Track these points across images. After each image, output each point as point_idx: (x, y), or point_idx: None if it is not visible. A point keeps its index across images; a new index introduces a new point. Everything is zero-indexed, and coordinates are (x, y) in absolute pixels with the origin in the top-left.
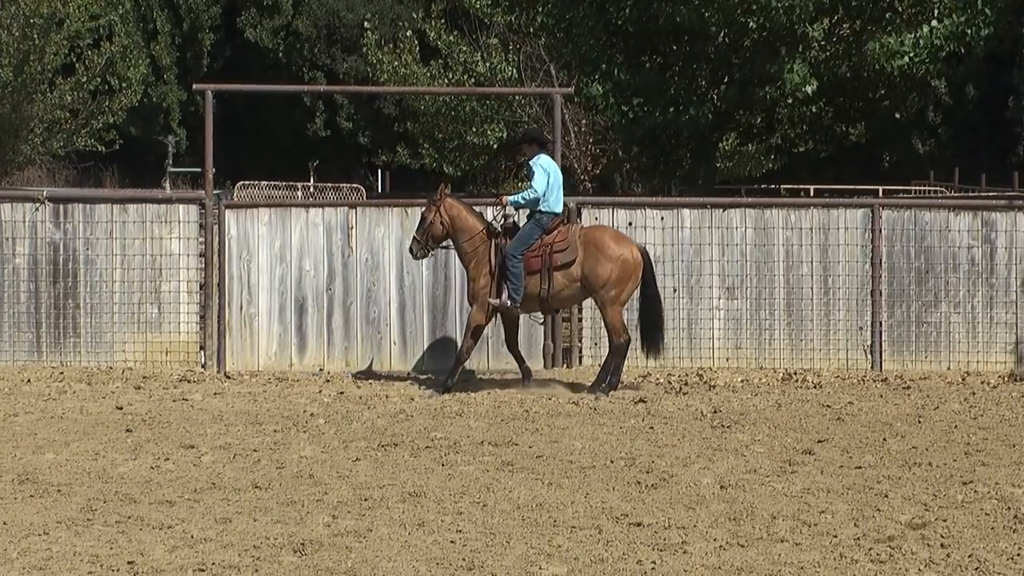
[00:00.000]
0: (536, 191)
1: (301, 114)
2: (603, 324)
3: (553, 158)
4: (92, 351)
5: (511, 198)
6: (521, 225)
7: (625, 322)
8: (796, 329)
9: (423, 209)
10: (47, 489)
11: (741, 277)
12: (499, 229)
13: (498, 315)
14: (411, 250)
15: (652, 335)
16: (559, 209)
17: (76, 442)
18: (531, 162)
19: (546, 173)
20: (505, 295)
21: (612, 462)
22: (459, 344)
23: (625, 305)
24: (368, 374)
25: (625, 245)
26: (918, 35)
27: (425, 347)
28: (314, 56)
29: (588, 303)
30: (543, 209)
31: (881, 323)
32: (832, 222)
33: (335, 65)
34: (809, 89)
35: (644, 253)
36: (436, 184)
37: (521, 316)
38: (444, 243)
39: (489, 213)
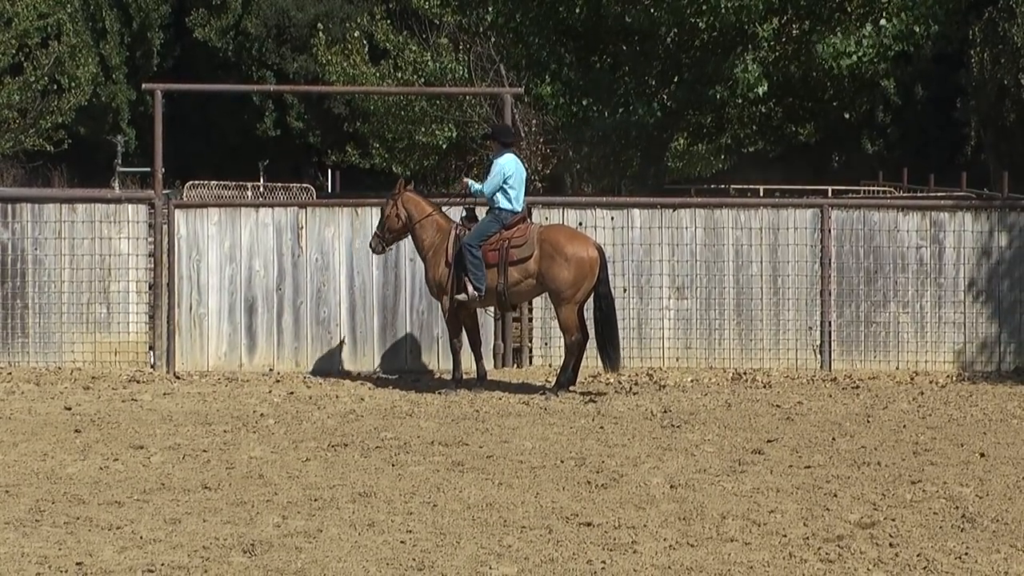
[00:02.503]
0: (483, 190)
1: (251, 114)
2: (557, 323)
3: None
4: (41, 351)
5: (471, 182)
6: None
7: (581, 320)
8: (746, 329)
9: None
10: None
11: (691, 277)
12: (460, 219)
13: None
14: (371, 245)
15: (608, 351)
16: (519, 207)
17: (24, 443)
18: (493, 159)
19: (501, 173)
20: (470, 288)
21: (562, 462)
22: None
23: (582, 304)
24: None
25: (581, 244)
26: (863, 34)
27: (375, 347)
28: (263, 56)
29: (538, 303)
30: (502, 206)
31: (830, 323)
32: (781, 222)
33: (285, 65)
34: (760, 89)
35: (600, 251)
36: (387, 184)
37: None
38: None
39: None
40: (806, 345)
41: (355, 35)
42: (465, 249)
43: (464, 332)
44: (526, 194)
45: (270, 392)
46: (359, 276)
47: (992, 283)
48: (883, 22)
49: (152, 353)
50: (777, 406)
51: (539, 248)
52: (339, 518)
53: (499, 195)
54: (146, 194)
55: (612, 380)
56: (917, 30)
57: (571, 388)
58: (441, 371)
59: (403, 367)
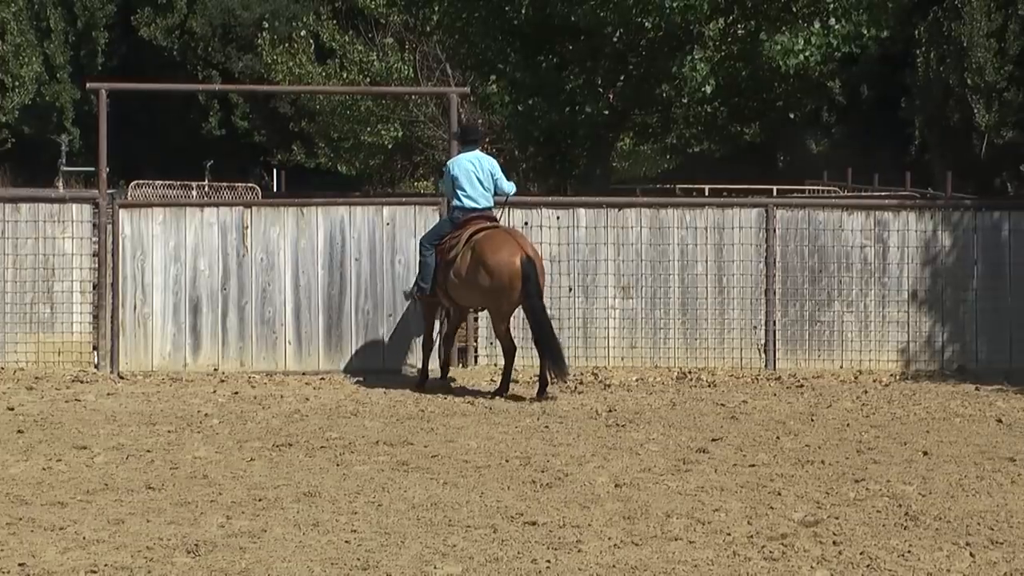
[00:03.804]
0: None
1: (196, 113)
2: None
3: (483, 151)
4: None
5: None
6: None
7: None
8: (691, 328)
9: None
10: None
11: (636, 276)
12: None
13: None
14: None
15: (546, 363)
16: (471, 205)
17: None
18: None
19: (448, 174)
20: (416, 287)
21: (507, 461)
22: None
23: (510, 315)
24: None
25: (505, 254)
26: (811, 31)
27: (320, 347)
28: (209, 55)
29: None
30: (453, 204)
31: (775, 322)
32: (727, 221)
33: (230, 64)
34: (707, 89)
35: (526, 262)
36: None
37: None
38: None
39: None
40: (751, 344)
41: (301, 34)
42: (419, 247)
43: (435, 330)
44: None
45: (215, 392)
46: (304, 276)
47: (935, 282)
48: (831, 21)
49: (96, 353)
50: (722, 405)
51: (469, 253)
52: (284, 518)
53: (456, 194)
54: (90, 194)
55: (557, 380)
56: (865, 32)
57: (502, 395)
58: (387, 370)
59: (348, 367)
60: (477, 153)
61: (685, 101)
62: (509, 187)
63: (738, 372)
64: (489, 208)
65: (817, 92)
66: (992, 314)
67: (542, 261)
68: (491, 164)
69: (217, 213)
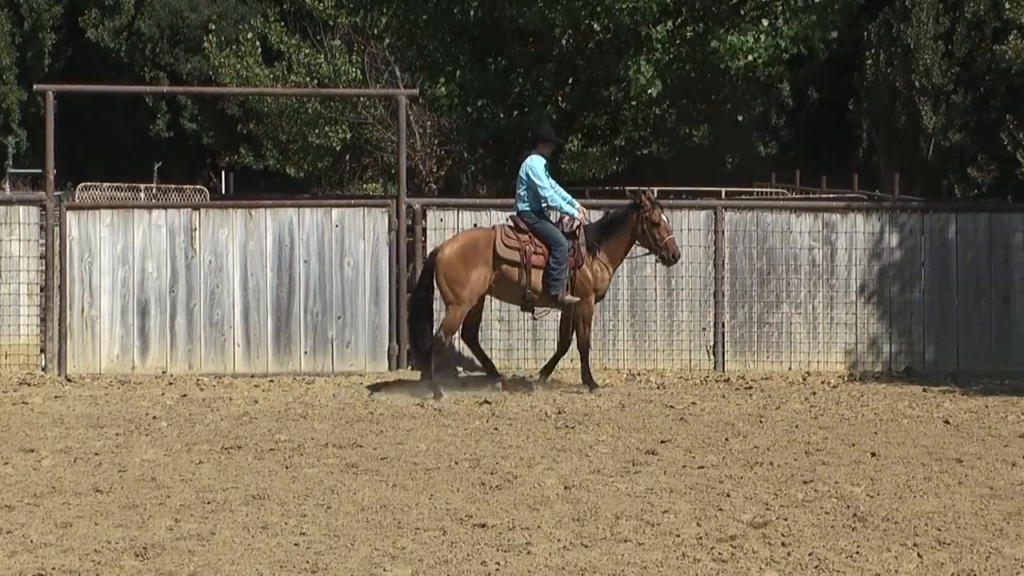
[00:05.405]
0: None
1: (144, 115)
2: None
3: (545, 157)
4: None
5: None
6: (587, 227)
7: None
8: (640, 330)
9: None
10: None
11: None
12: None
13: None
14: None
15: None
16: (518, 207)
17: None
18: None
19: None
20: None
21: (456, 463)
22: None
23: (463, 303)
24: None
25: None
26: (760, 30)
27: (269, 349)
28: (157, 57)
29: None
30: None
31: (724, 324)
32: (676, 223)
33: (178, 66)
34: (653, 91)
35: (436, 254)
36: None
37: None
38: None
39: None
40: (700, 346)
41: (248, 37)
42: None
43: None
44: (413, 195)
45: (163, 394)
46: (253, 278)
47: (883, 284)
48: (779, 22)
49: (43, 356)
50: (671, 407)
51: None
52: (232, 521)
53: None
54: (37, 196)
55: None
56: (811, 34)
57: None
58: (336, 372)
59: (297, 369)
60: (531, 156)
61: (633, 104)
62: (542, 191)
63: (687, 374)
64: (522, 211)
65: (765, 94)
66: (939, 316)
67: (447, 258)
68: (524, 167)
69: (165, 215)
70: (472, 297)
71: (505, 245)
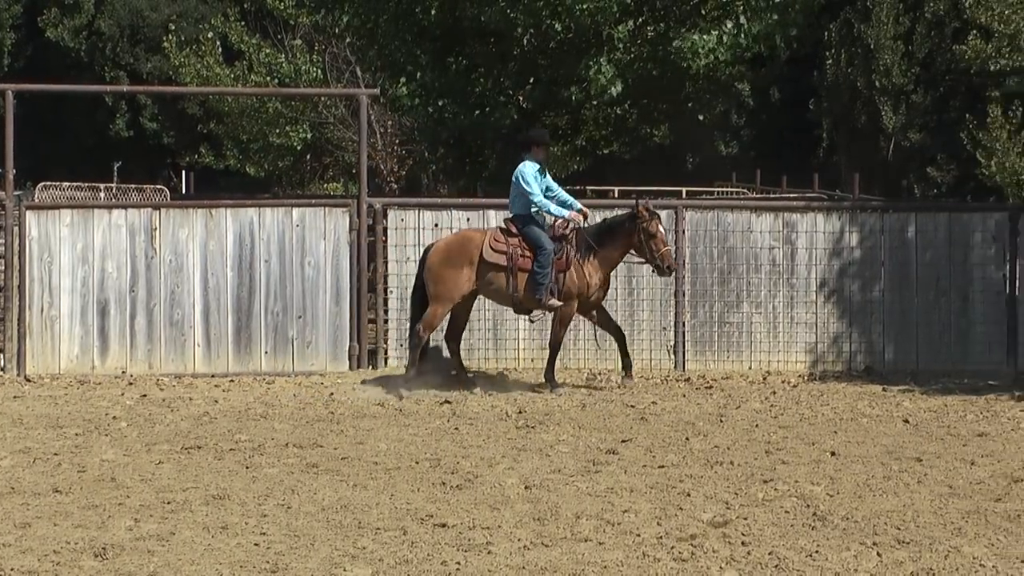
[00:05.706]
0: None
1: (104, 114)
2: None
3: (539, 161)
4: None
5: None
6: (583, 230)
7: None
8: (600, 330)
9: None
10: None
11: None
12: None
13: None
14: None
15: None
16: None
17: None
18: None
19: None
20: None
21: (417, 463)
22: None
23: (444, 301)
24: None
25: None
26: (724, 29)
27: (229, 349)
28: (117, 56)
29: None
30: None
31: (684, 323)
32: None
33: (138, 65)
34: (615, 90)
35: (425, 250)
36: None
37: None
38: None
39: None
40: (660, 345)
41: (208, 36)
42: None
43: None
44: (374, 195)
45: (123, 395)
46: (213, 278)
47: (843, 283)
48: (742, 19)
49: (2, 356)
50: (631, 406)
51: None
52: (192, 521)
53: None
54: None
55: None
56: (775, 35)
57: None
58: (296, 372)
59: (257, 369)
60: (523, 162)
61: (594, 103)
62: (532, 198)
63: (647, 373)
64: (517, 214)
65: (726, 94)
66: (899, 315)
67: (433, 256)
68: (516, 173)
69: (125, 215)
70: (454, 295)
71: (492, 249)
